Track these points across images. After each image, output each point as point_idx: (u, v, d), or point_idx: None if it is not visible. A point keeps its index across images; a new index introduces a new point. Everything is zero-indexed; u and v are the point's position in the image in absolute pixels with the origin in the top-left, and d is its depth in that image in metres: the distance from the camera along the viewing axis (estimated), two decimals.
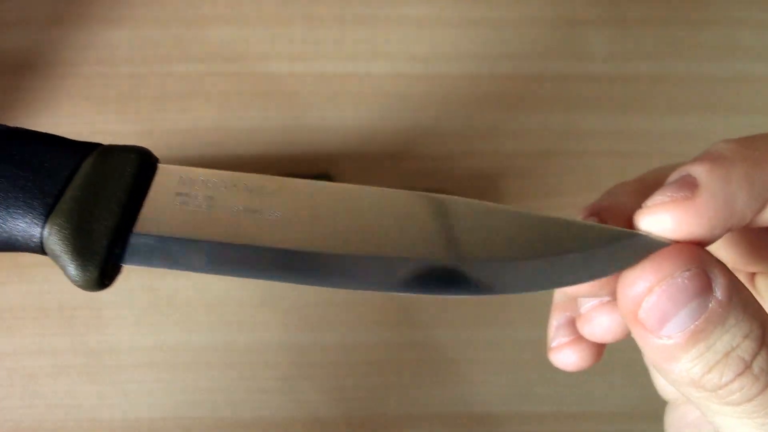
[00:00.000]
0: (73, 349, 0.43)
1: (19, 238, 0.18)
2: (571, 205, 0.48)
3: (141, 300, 0.44)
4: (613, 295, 0.19)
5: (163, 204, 0.18)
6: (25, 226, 0.17)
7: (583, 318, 0.23)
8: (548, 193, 0.48)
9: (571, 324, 0.24)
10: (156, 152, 0.47)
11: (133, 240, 0.17)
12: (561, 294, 0.25)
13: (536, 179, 0.48)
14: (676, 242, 0.18)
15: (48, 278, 0.44)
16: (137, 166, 0.19)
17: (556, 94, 0.50)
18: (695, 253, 0.18)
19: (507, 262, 0.19)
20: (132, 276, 0.45)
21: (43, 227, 0.17)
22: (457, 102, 0.50)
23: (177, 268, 0.18)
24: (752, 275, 0.25)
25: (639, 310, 0.18)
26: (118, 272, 0.18)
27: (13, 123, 0.47)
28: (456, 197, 0.20)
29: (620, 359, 0.43)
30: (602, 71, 0.51)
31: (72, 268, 0.17)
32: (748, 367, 0.17)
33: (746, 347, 0.17)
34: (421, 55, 0.51)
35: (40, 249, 0.18)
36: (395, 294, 0.44)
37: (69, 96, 0.48)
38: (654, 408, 0.44)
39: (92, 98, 0.48)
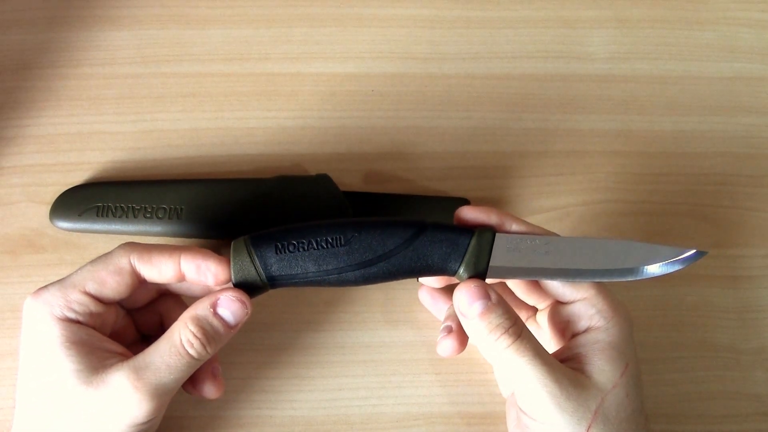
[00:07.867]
0: None
1: (446, 270, 0.35)
2: (571, 205, 0.48)
3: None
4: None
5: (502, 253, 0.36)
6: (449, 266, 0.35)
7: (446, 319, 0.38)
8: (548, 193, 0.48)
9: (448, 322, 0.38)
10: (156, 152, 0.47)
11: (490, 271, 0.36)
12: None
13: (536, 179, 0.48)
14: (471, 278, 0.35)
15: (48, 278, 0.43)
16: (492, 239, 0.35)
17: (556, 94, 0.50)
18: (482, 283, 0.35)
19: None
20: None
21: (458, 269, 0.35)
22: (457, 102, 0.50)
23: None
24: (535, 311, 0.41)
25: (457, 305, 0.35)
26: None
27: (14, 123, 0.47)
28: None
29: None
30: (602, 71, 0.51)
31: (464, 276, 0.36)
32: (506, 331, 0.33)
33: (504, 322, 0.33)
34: (421, 55, 0.51)
35: (453, 274, 0.36)
36: (395, 293, 0.45)
37: (69, 96, 0.48)
38: (665, 410, 0.44)
39: (92, 98, 0.48)
